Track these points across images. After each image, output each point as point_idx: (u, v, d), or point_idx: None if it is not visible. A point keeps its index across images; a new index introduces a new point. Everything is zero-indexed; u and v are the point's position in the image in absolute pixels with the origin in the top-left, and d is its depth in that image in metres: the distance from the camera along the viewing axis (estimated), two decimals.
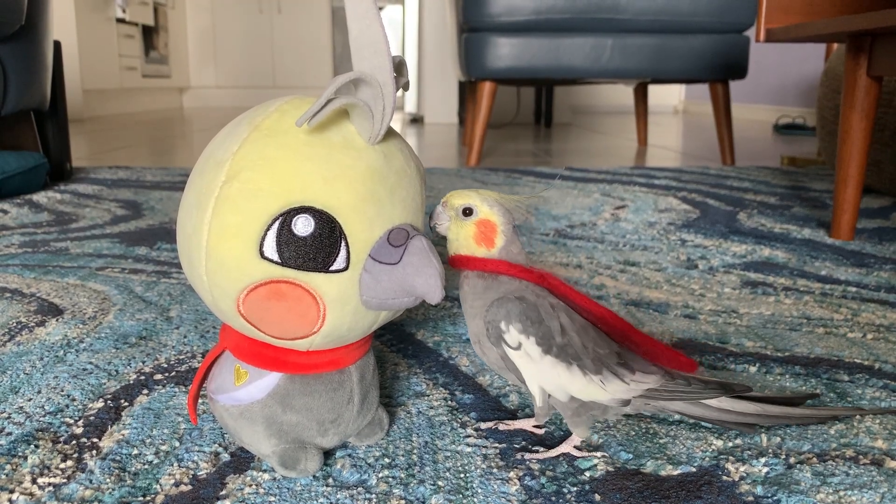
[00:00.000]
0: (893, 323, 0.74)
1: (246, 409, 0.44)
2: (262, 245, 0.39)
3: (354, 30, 0.39)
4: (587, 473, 0.45)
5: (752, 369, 0.62)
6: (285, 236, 0.39)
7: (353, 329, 0.43)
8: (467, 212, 0.46)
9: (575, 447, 0.48)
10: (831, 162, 1.63)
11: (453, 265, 0.47)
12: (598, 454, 0.48)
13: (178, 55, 4.95)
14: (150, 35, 4.50)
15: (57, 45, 1.60)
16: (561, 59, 1.98)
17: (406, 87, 0.44)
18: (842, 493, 0.43)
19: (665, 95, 5.05)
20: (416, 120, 3.86)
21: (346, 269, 0.40)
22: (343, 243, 0.40)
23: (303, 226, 0.39)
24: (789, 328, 0.72)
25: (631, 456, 0.48)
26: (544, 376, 0.45)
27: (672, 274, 0.92)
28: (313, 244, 0.39)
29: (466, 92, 2.78)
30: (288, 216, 0.39)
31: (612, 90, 4.87)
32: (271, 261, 0.39)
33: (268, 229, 0.39)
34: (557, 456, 0.47)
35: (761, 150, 2.50)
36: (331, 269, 0.40)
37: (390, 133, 0.44)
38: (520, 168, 1.94)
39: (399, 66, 0.43)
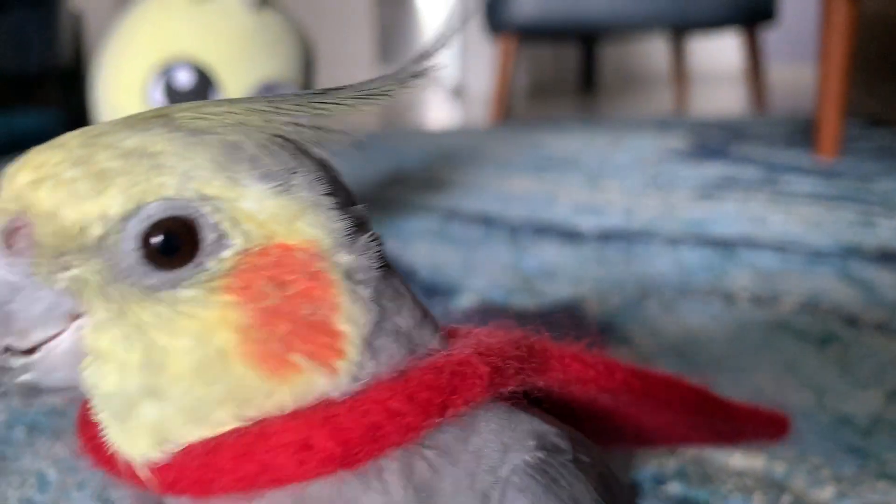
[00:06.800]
0: None
1: None
2: (151, 98, 0.46)
3: None
4: None
5: None
6: (169, 90, 0.46)
7: None
8: None
9: None
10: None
11: None
12: None
13: None
14: None
15: (78, 13, 1.71)
16: (580, 7, 1.99)
17: None
18: None
19: (727, 60, 4.91)
20: (458, 92, 3.89)
21: None
22: (220, 95, 0.46)
23: (183, 79, 0.46)
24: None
25: None
26: None
27: (633, 185, 0.95)
28: (194, 96, 0.46)
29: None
30: (169, 71, 0.46)
31: (654, 56, 4.77)
32: None
33: (153, 83, 0.46)
34: None
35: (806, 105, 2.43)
36: None
37: (271, 5, 0.50)
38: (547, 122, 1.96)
39: None
